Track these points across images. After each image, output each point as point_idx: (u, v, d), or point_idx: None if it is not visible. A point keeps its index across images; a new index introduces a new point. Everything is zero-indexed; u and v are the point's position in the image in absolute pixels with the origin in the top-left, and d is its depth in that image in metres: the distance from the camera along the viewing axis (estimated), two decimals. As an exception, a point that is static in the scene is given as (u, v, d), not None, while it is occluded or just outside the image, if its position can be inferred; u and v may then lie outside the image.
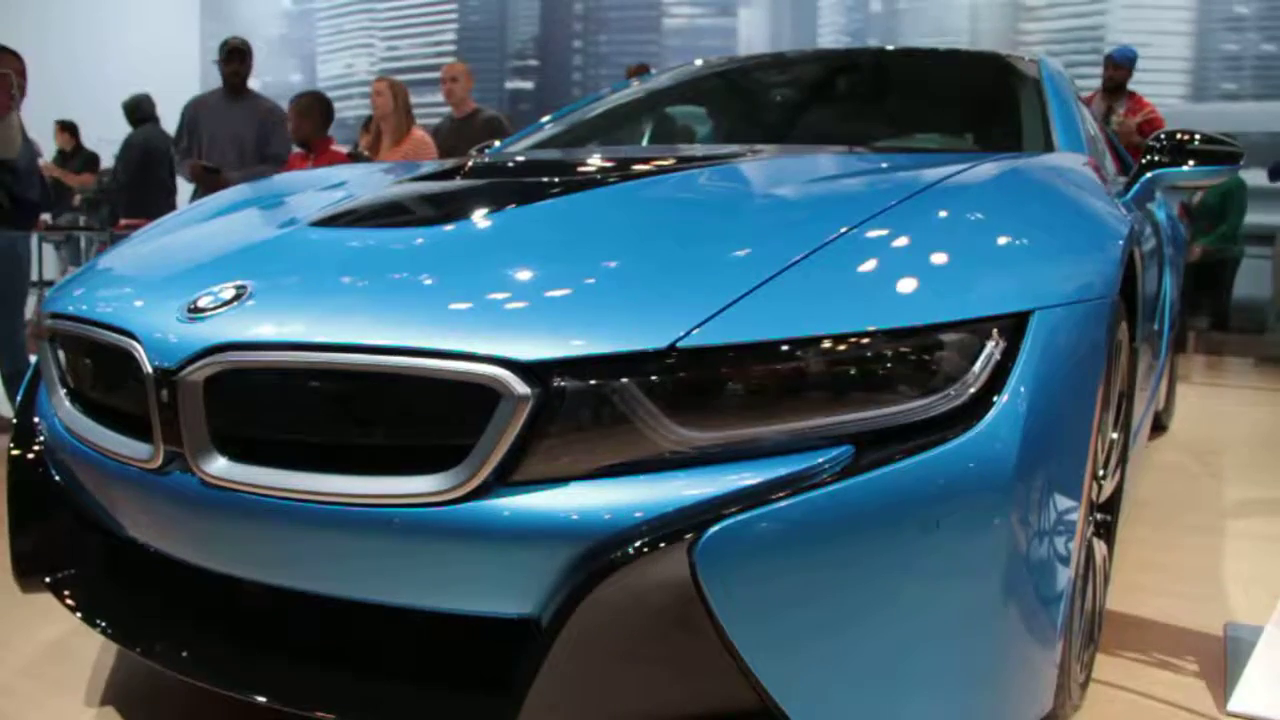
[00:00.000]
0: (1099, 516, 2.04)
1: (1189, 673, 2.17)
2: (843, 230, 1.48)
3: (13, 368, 4.86)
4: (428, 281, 1.49)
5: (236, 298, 1.51)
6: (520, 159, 2.69)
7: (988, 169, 1.80)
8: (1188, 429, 4.82)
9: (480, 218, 1.79)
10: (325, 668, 1.52)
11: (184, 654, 1.60)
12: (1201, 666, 2.20)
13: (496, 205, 1.84)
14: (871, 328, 1.32)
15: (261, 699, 1.48)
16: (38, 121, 5.25)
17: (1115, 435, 2.11)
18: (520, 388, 1.26)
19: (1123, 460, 2.23)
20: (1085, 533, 1.69)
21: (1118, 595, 2.48)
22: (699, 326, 1.28)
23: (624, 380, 1.27)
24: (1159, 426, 4.55)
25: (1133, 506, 3.05)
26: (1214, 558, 2.96)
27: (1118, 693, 2.06)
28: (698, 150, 2.71)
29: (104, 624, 1.72)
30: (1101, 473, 1.95)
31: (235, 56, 5.76)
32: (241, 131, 5.80)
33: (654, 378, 1.27)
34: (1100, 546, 2.04)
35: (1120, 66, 6.93)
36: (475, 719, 1.35)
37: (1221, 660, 2.22)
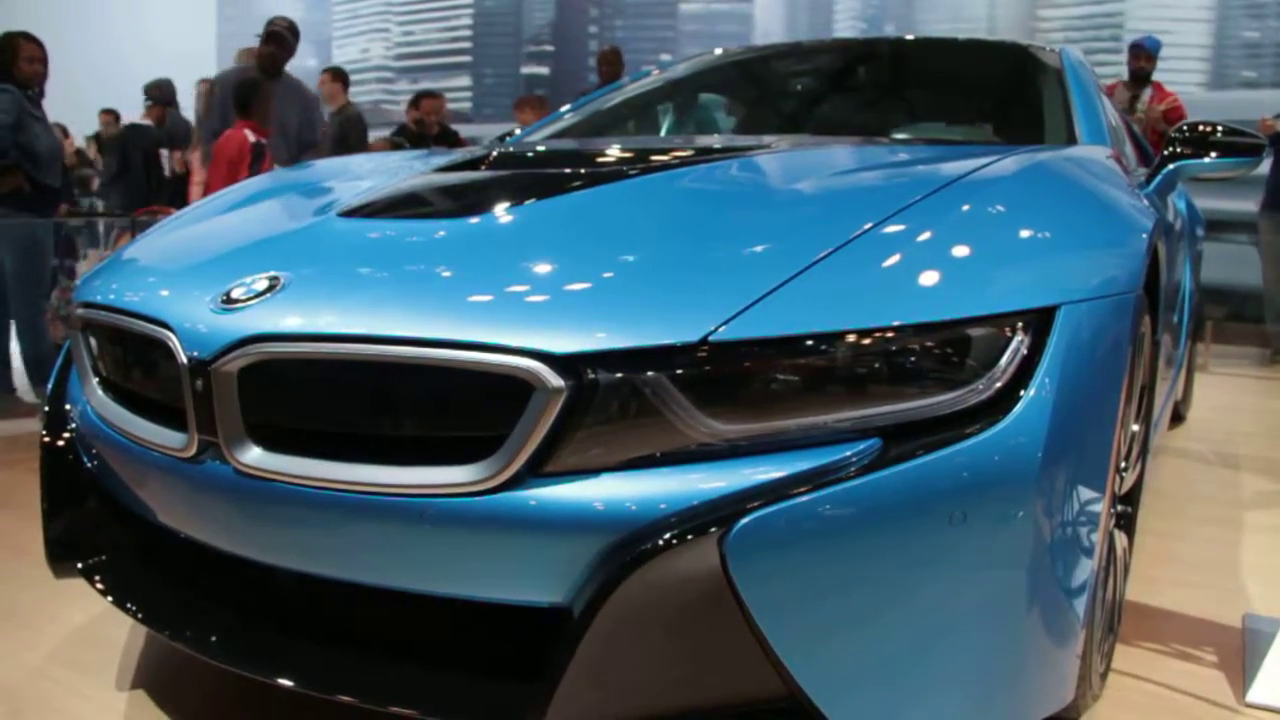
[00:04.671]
0: (1120, 508, 2.05)
1: (1207, 663, 2.18)
2: (870, 225, 1.49)
3: (35, 352, 4.91)
4: (460, 274, 1.50)
5: (269, 289, 1.53)
6: (544, 149, 2.70)
7: (1013, 163, 1.81)
8: (1204, 418, 4.82)
9: (509, 210, 1.80)
10: (352, 654, 1.54)
11: (213, 638, 1.62)
12: (1220, 657, 2.21)
13: (524, 197, 1.85)
14: (900, 322, 1.33)
15: (288, 683, 1.50)
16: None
17: (1136, 427, 2.12)
18: (554, 380, 1.28)
19: (1143, 452, 2.24)
20: (1108, 525, 1.71)
21: (1136, 586, 2.49)
22: (730, 320, 1.30)
23: (656, 373, 1.29)
24: (1176, 417, 4.55)
25: (1150, 497, 3.05)
26: (1232, 549, 2.96)
27: (1137, 683, 2.07)
28: (721, 141, 2.71)
29: (135, 608, 1.75)
30: (1123, 465, 1.96)
31: (273, 40, 5.68)
32: (284, 115, 5.70)
33: (686, 371, 1.29)
34: (1121, 538, 2.05)
35: (1150, 57, 6.95)
36: (508, 706, 1.36)
37: (1240, 651, 2.23)
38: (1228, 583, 2.69)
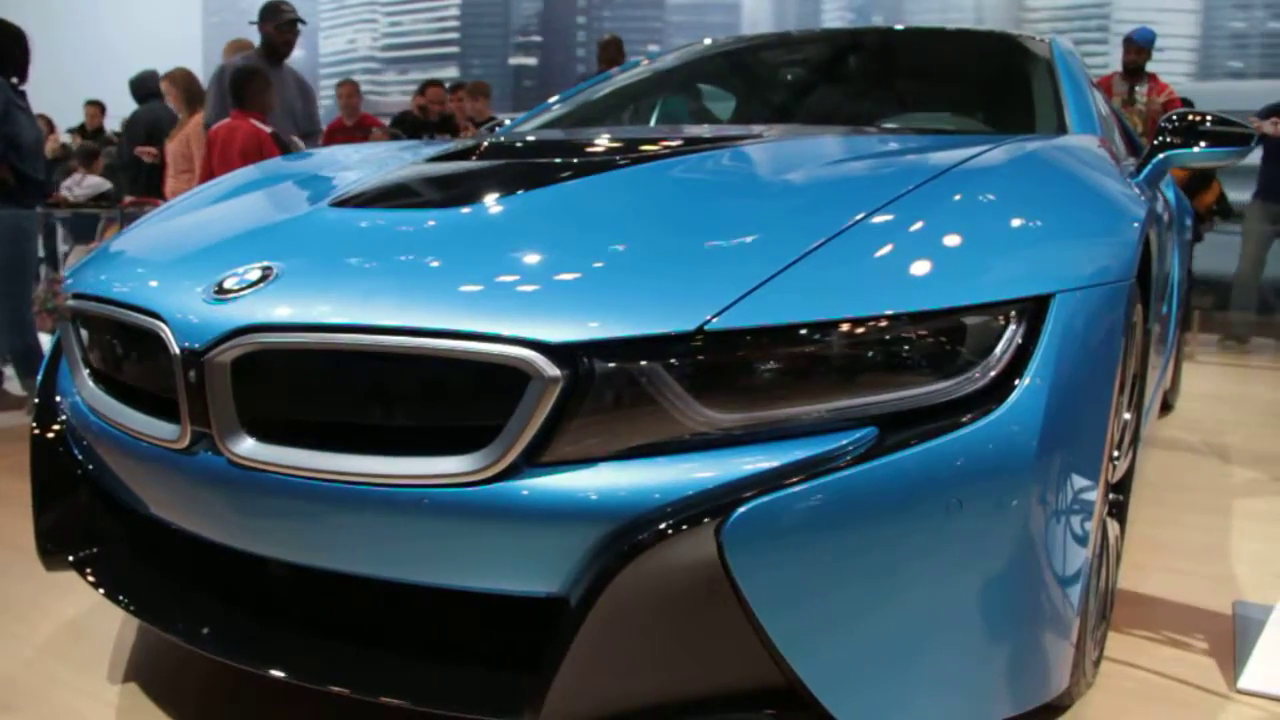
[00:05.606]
0: (1112, 496, 2.06)
1: (1199, 650, 2.19)
2: (864, 214, 1.49)
3: (21, 344, 4.87)
4: (454, 264, 1.50)
5: (262, 279, 1.52)
6: (537, 139, 2.69)
7: (1005, 152, 1.81)
8: (1191, 407, 4.84)
9: (502, 200, 1.79)
10: (345, 645, 1.53)
11: (205, 630, 1.62)
12: (1211, 644, 2.22)
13: (517, 187, 1.85)
14: (896, 311, 1.33)
15: (279, 674, 1.50)
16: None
17: (1128, 416, 2.12)
18: (550, 370, 1.27)
19: (1135, 440, 2.25)
20: (1102, 513, 1.71)
21: (1126, 573, 2.50)
22: (726, 310, 1.30)
23: (652, 362, 1.29)
24: (1165, 406, 4.56)
25: (1139, 485, 3.06)
26: (1221, 536, 2.98)
27: (1129, 670, 2.08)
28: (713, 131, 2.71)
29: (127, 600, 1.74)
30: (1116, 453, 1.97)
31: (292, 26, 5.62)
32: (292, 101, 5.63)
33: (682, 360, 1.29)
34: (1113, 526, 2.06)
35: (1143, 49, 6.99)
36: (504, 696, 1.36)
37: (1230, 638, 2.24)
38: (1217, 570, 2.70)
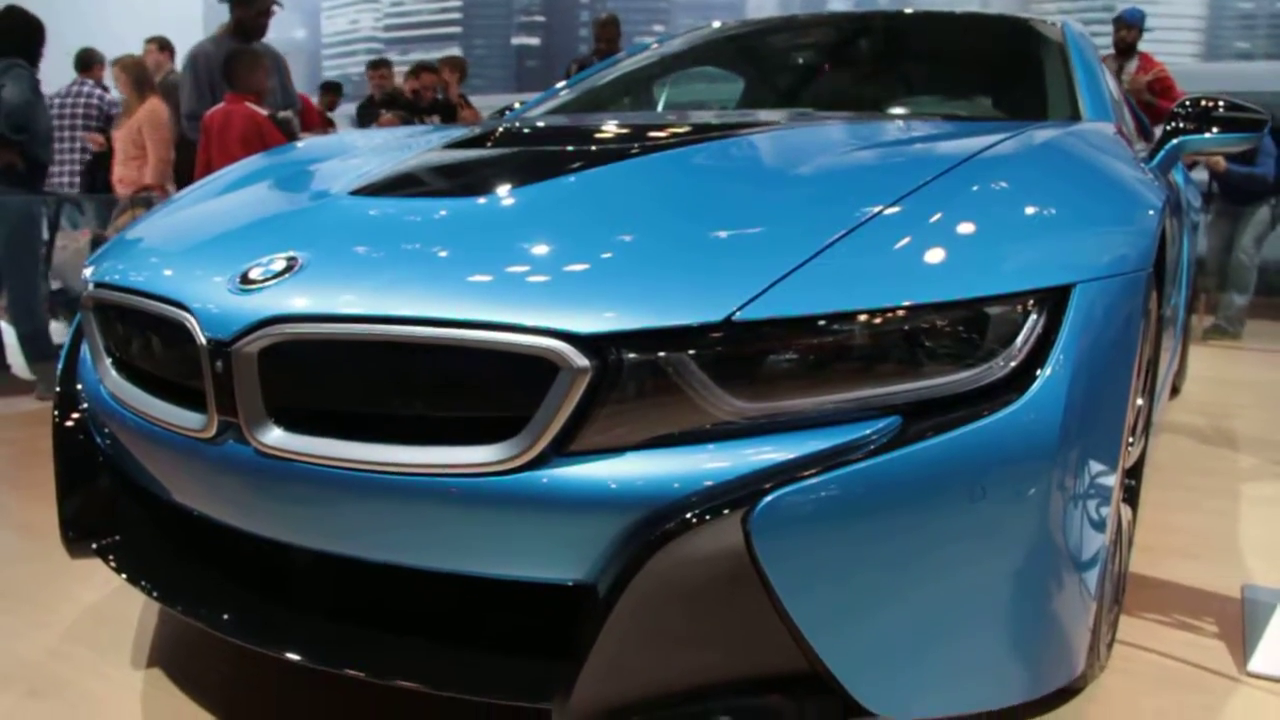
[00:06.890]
0: (1126, 481, 2.08)
1: (1208, 634, 2.21)
2: (886, 204, 1.50)
3: (30, 328, 4.88)
4: (479, 253, 1.51)
5: (288, 269, 1.53)
6: (552, 126, 2.68)
7: (1024, 141, 1.82)
8: (1198, 390, 4.85)
9: (524, 189, 1.79)
10: (366, 630, 1.55)
11: (225, 614, 1.64)
12: (1220, 628, 2.24)
13: (537, 175, 1.84)
14: (919, 301, 1.35)
15: (295, 657, 1.52)
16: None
17: (1141, 402, 2.14)
18: (579, 360, 1.29)
19: (1147, 426, 2.26)
20: (1119, 498, 1.73)
21: (1137, 557, 2.52)
22: (753, 300, 1.31)
23: (680, 353, 1.30)
24: (1172, 390, 4.57)
25: (1147, 468, 3.08)
26: (1229, 520, 2.99)
27: (1140, 653, 2.10)
28: (731, 118, 2.71)
29: (148, 585, 1.76)
30: (1131, 439, 1.98)
31: (266, 13, 5.58)
32: (272, 82, 5.64)
33: (709, 350, 1.30)
34: (1126, 511, 2.07)
35: (1131, 27, 7.01)
36: (533, 682, 1.38)
37: (1240, 621, 2.26)
38: (1225, 553, 2.72)
